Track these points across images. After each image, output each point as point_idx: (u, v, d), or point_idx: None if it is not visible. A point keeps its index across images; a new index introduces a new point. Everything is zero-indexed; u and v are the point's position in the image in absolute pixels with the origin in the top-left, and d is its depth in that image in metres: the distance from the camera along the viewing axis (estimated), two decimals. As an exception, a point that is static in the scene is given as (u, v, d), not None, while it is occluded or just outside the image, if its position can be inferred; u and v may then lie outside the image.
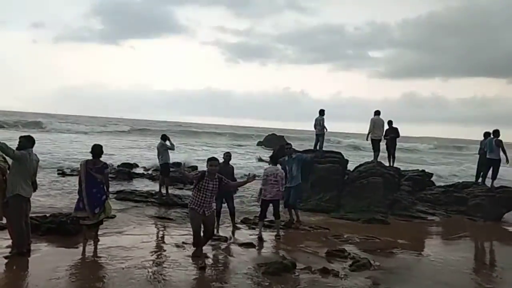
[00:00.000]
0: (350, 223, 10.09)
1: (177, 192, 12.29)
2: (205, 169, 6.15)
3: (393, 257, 7.26)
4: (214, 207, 6.50)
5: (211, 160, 6.12)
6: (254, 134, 54.01)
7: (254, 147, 36.26)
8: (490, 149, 12.18)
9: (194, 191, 6.20)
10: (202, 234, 6.25)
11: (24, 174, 5.78)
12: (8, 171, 5.86)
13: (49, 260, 5.92)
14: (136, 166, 17.30)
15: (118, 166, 16.15)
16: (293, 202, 9.23)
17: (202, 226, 6.20)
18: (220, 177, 6.18)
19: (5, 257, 5.83)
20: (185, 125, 75.63)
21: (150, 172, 16.12)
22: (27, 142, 5.88)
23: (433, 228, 10.62)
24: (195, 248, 6.39)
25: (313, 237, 8.38)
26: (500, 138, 12.19)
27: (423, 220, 11.04)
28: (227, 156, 8.84)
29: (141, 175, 15.19)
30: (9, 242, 6.19)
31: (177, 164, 15.70)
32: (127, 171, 15.10)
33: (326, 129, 13.86)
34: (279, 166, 8.97)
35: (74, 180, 13.12)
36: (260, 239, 7.72)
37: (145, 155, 20.89)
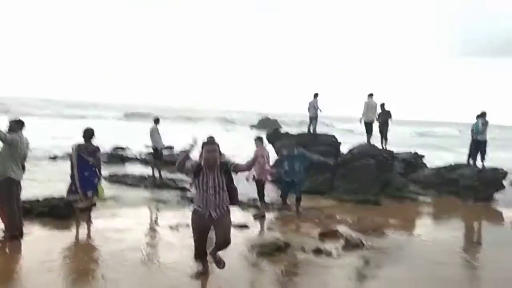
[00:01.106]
0: (343, 205, 10.17)
1: (170, 176, 12.27)
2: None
3: (385, 237, 7.35)
4: (227, 206, 4.64)
5: (207, 145, 4.48)
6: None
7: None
8: (476, 130, 12.34)
9: (194, 187, 4.88)
10: (213, 242, 4.70)
11: (15, 157, 5.71)
12: None
13: (42, 243, 5.90)
14: (127, 148, 17.23)
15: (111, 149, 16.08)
16: (299, 195, 8.94)
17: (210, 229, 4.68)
18: (225, 164, 4.58)
19: (-2, 240, 5.81)
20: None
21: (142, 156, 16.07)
22: (17, 125, 5.79)
23: (424, 208, 10.75)
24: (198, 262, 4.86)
25: (306, 218, 8.45)
26: (487, 119, 12.36)
27: (415, 201, 11.19)
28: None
29: (133, 159, 15.15)
30: (1, 225, 6.17)
31: (170, 148, 15.67)
32: (119, 154, 15.03)
33: (321, 110, 13.94)
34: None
35: (66, 164, 13.16)
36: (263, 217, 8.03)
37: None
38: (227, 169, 4.55)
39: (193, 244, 4.67)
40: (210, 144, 4.49)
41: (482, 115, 12.51)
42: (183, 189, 10.51)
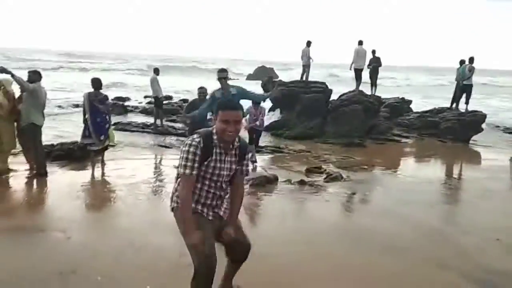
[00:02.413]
0: (331, 147, 11.10)
1: (171, 124, 13.11)
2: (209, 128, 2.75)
3: (363, 172, 8.32)
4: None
5: (226, 107, 2.63)
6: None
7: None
8: (463, 75, 13.05)
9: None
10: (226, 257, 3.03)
11: (37, 105, 6.51)
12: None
13: (64, 179, 6.84)
14: (128, 99, 17.97)
15: (112, 99, 16.80)
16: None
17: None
18: (243, 145, 2.82)
19: (27, 177, 6.75)
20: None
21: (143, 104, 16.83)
22: (36, 76, 6.52)
23: (406, 149, 11.73)
24: None
25: (295, 159, 9.39)
26: (473, 65, 13.01)
27: (397, 143, 12.13)
28: (202, 92, 7.53)
29: (135, 108, 15.95)
30: (27, 166, 7.09)
31: (169, 97, 16.40)
32: (121, 104, 15.78)
33: (312, 60, 14.47)
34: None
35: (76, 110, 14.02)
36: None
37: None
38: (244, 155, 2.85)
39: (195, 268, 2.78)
40: (229, 104, 2.70)
41: (470, 60, 13.18)
42: (183, 135, 11.40)
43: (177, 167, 2.74)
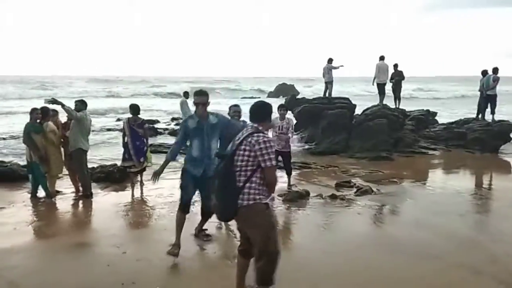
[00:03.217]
0: (357, 161, 11.26)
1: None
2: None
3: (393, 185, 8.47)
4: None
5: None
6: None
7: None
8: (487, 85, 13.09)
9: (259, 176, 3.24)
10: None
11: (83, 132, 7.05)
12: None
13: (108, 199, 7.31)
14: (158, 122, 18.68)
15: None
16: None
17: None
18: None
19: (74, 199, 7.25)
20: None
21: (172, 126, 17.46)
22: (82, 105, 7.09)
23: (433, 161, 11.76)
24: None
25: (323, 174, 9.62)
26: (498, 75, 13.05)
27: (425, 155, 12.19)
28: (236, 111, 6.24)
29: (164, 130, 16.60)
30: (72, 189, 7.61)
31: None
32: (152, 127, 16.43)
33: (343, 65, 14.80)
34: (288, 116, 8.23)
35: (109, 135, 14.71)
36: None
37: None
38: None
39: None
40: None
41: (494, 70, 13.22)
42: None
43: (259, 161, 3.17)
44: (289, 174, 8.22)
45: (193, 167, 4.66)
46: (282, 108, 8.07)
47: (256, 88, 50.28)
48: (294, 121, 9.44)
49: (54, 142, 7.08)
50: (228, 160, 3.20)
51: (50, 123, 7.11)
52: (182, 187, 4.79)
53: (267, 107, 3.44)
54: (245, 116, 4.32)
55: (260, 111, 3.38)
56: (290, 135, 7.96)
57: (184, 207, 4.71)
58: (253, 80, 79.03)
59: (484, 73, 13.50)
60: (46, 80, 58.90)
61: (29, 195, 7.26)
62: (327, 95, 15.15)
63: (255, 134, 3.18)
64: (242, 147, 3.16)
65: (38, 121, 7.04)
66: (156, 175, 4.65)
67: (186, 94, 12.97)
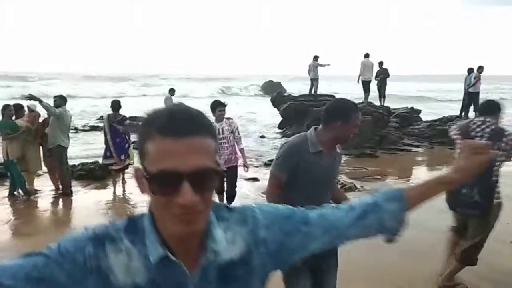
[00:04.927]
0: (342, 158, 11.27)
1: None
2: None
3: (376, 182, 8.51)
4: None
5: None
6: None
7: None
8: (469, 83, 13.28)
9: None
10: None
11: (63, 128, 6.88)
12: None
13: (89, 197, 7.16)
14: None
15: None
16: None
17: None
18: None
19: (53, 197, 7.08)
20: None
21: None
22: (61, 101, 6.91)
23: (417, 158, 11.87)
24: None
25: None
26: (480, 74, 13.26)
27: (409, 152, 12.29)
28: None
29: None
30: (52, 187, 7.42)
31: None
32: (136, 123, 16.20)
33: (329, 64, 14.88)
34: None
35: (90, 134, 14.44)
36: None
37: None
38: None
39: None
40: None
41: (479, 69, 13.43)
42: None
43: None
44: (230, 199, 5.77)
45: None
46: (220, 106, 5.72)
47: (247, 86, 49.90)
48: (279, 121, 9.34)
49: (29, 140, 6.86)
50: None
51: (21, 121, 6.88)
52: None
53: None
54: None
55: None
56: (236, 141, 5.79)
57: None
58: (244, 77, 78.75)
59: (470, 71, 13.68)
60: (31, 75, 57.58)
61: (7, 193, 7.05)
62: (312, 92, 15.16)
63: None
64: None
65: (12, 118, 6.83)
66: None
67: (172, 91, 12.81)
